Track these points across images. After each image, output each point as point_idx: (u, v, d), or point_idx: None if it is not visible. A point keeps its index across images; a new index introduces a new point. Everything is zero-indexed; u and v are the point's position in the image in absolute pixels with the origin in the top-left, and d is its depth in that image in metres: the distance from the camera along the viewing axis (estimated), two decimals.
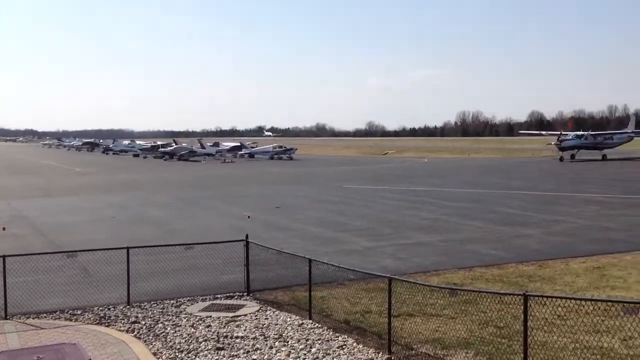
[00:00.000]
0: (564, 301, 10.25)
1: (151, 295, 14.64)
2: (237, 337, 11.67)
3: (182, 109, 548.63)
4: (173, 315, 13.33)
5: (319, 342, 11.30)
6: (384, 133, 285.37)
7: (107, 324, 12.74)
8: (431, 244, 21.72)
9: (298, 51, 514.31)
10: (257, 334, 11.85)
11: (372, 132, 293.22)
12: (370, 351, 10.73)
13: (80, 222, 28.37)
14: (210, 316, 13.18)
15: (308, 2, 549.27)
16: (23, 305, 13.55)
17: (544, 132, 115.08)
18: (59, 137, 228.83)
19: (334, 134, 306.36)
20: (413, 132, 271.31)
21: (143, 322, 12.82)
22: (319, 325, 12.28)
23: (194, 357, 10.72)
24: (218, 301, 14.46)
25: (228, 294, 15.00)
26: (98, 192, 44.46)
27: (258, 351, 10.90)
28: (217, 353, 10.85)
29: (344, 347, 10.98)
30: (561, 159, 78.44)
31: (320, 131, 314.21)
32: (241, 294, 15.03)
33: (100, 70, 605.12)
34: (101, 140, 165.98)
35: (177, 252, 17.08)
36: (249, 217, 28.47)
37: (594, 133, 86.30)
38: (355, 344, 11.09)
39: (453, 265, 18.02)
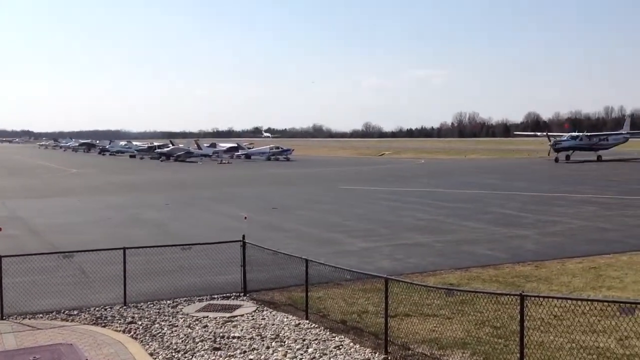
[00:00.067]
0: (560, 301, 10.27)
1: (148, 295, 14.62)
2: (234, 338, 11.66)
3: (178, 109, 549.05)
4: (170, 316, 13.32)
5: (316, 342, 11.30)
6: (381, 134, 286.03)
7: (103, 325, 12.71)
8: (428, 244, 21.73)
9: (295, 52, 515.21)
10: (254, 334, 11.84)
11: (369, 133, 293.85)
12: (366, 351, 10.73)
13: (76, 222, 28.32)
14: (207, 316, 13.17)
15: (307, 2, 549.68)
16: (19, 306, 13.51)
17: (538, 133, 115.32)
18: (56, 138, 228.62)
19: (330, 134, 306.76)
20: (410, 133, 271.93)
21: (139, 323, 12.80)
22: (316, 326, 12.28)
23: (190, 357, 10.70)
24: (215, 301, 14.45)
25: (225, 295, 14.99)
26: (94, 193, 44.38)
27: (255, 351, 10.89)
28: (214, 353, 10.84)
29: (340, 347, 10.98)
30: (556, 160, 78.62)
31: (317, 132, 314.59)
32: (238, 294, 15.02)
33: (97, 71, 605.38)
34: (98, 141, 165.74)
35: (173, 253, 17.05)
36: (245, 217, 28.45)
37: (589, 134, 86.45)
38: (352, 344, 11.09)
39: (449, 265, 18.03)
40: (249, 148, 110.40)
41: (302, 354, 10.68)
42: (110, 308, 13.91)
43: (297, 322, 12.60)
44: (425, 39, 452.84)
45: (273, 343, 11.29)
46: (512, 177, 55.34)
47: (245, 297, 14.79)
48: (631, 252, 19.57)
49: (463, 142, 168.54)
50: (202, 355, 10.75)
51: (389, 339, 10.68)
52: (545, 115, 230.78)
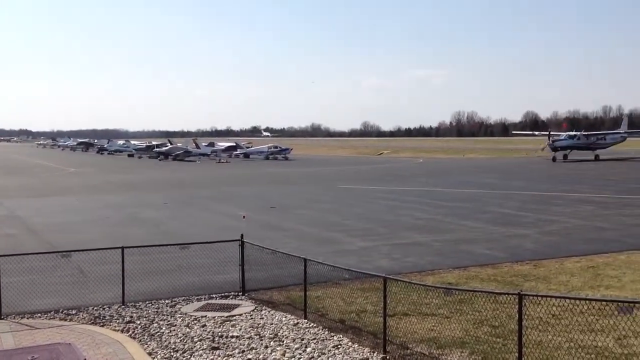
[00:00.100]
0: (558, 300, 10.27)
1: (146, 295, 14.62)
2: (232, 337, 11.66)
3: (178, 109, 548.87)
4: (168, 315, 13.31)
5: (314, 341, 11.30)
6: (379, 133, 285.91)
7: (101, 324, 12.71)
8: (426, 243, 21.74)
9: (295, 52, 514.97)
10: (252, 334, 11.84)
11: (368, 132, 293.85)
12: (365, 350, 10.73)
13: (74, 222, 28.29)
14: (206, 316, 13.17)
15: (307, 2, 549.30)
16: (17, 305, 13.49)
17: (536, 133, 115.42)
18: (54, 137, 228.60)
19: (329, 134, 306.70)
20: (408, 133, 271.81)
21: (138, 322, 12.80)
22: (314, 325, 12.28)
23: (189, 356, 10.70)
24: (213, 301, 14.44)
25: (223, 294, 14.99)
26: (92, 192, 44.34)
27: (253, 350, 10.89)
28: (213, 353, 10.84)
29: (339, 346, 10.98)
30: (554, 159, 78.67)
31: (315, 131, 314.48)
32: (236, 293, 15.01)
33: (97, 71, 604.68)
34: (96, 140, 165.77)
35: (172, 252, 17.03)
36: (244, 217, 28.45)
37: (586, 133, 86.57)
38: (350, 344, 11.10)
39: (448, 264, 18.04)
40: (248, 147, 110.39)
41: (300, 354, 10.68)
42: (109, 307, 13.90)
43: (296, 321, 12.60)
44: (425, 39, 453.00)
45: (271, 342, 11.29)
46: (510, 176, 55.40)
47: (243, 297, 14.79)
48: (629, 251, 19.60)
49: (461, 142, 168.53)
50: (201, 355, 10.74)
51: (387, 338, 10.68)
52: (544, 114, 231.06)
